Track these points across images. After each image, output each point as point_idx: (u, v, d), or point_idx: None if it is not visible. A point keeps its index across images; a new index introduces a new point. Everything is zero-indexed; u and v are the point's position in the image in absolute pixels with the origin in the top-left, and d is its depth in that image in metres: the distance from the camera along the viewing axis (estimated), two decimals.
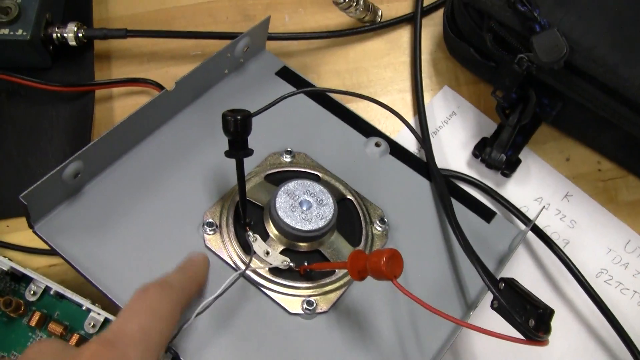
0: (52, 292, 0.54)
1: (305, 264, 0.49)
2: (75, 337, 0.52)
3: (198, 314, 0.44)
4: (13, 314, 0.53)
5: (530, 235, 0.58)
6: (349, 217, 0.53)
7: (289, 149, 0.56)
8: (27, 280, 0.55)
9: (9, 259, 0.52)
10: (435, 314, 0.42)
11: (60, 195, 0.49)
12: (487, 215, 0.57)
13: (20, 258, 0.57)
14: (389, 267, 0.43)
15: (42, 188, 0.46)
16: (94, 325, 0.53)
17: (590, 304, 0.56)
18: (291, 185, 0.50)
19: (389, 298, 0.51)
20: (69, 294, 0.50)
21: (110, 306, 0.48)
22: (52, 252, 0.57)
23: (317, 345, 0.48)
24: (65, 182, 0.48)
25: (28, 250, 0.58)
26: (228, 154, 0.47)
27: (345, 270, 0.50)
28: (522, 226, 0.58)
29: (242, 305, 0.48)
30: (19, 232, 0.59)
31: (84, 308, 0.50)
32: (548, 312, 0.44)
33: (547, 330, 0.43)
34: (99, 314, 0.50)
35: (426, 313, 0.48)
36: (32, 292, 0.54)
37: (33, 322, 0.53)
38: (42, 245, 0.53)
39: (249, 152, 0.47)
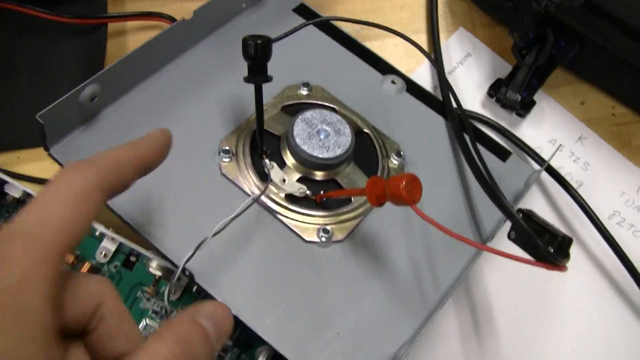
0: None
1: (322, 193, 0.49)
2: (87, 266, 0.52)
3: (215, 234, 0.44)
4: None
5: (545, 177, 0.58)
6: (366, 150, 0.53)
7: (305, 82, 0.55)
8: None
9: (23, 185, 0.51)
10: (454, 240, 0.42)
11: (77, 119, 0.49)
12: (502, 154, 0.57)
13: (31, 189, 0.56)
14: (408, 191, 0.43)
15: (58, 109, 0.46)
16: (105, 255, 0.53)
17: (603, 245, 0.56)
18: (309, 114, 0.50)
19: (405, 229, 0.51)
20: None
21: (125, 230, 0.48)
22: None
23: (332, 273, 0.48)
24: (82, 104, 0.48)
25: (39, 181, 0.58)
26: (247, 79, 0.47)
27: (361, 200, 0.50)
28: (537, 166, 0.58)
29: (258, 233, 0.48)
30: (29, 163, 0.58)
31: (97, 234, 0.50)
32: (567, 240, 0.44)
33: (567, 256, 0.43)
34: (113, 238, 0.50)
35: (442, 245, 0.48)
36: None
37: None
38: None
39: (268, 78, 0.47)
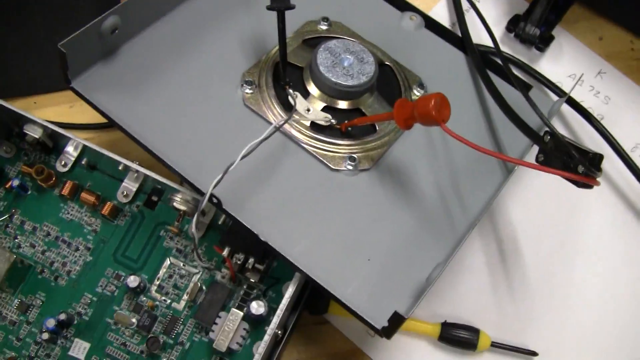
0: (83, 163, 0.53)
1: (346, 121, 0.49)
2: (109, 206, 0.52)
3: (243, 156, 0.43)
4: (44, 183, 0.52)
5: (566, 110, 0.58)
6: (388, 82, 0.53)
7: (325, 17, 0.55)
8: (57, 152, 0.54)
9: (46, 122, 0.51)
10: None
11: (97, 52, 0.48)
12: (524, 86, 0.56)
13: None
14: (438, 110, 0.42)
15: (80, 39, 0.45)
16: (126, 195, 0.52)
17: (627, 176, 0.56)
18: (332, 43, 0.50)
19: (430, 157, 0.50)
20: (105, 151, 0.49)
21: (149, 163, 0.47)
22: (81, 127, 0.56)
23: (360, 201, 0.47)
24: (103, 36, 0.47)
25: (58, 125, 0.57)
26: (270, 6, 0.46)
27: (386, 129, 0.50)
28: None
29: (284, 162, 0.48)
30: (46, 108, 0.58)
31: (120, 167, 0.49)
32: (598, 156, 0.44)
33: (599, 170, 0.43)
34: (137, 172, 0.49)
35: (467, 172, 0.48)
36: (62, 164, 0.53)
37: (65, 192, 0.52)
38: (72, 120, 0.52)
39: (291, 5, 0.47)
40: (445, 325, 0.51)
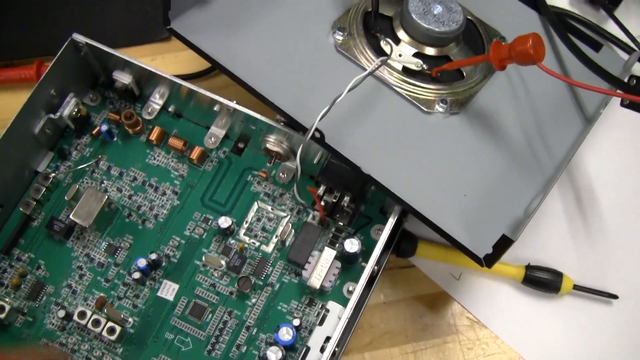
0: (170, 110, 0.54)
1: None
2: (197, 150, 0.53)
3: (350, 89, 0.44)
4: (131, 129, 0.53)
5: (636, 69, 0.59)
6: (471, 35, 0.54)
7: None
8: (143, 100, 0.55)
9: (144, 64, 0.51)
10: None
11: None
12: (595, 45, 0.58)
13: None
14: (535, 49, 0.44)
15: None
16: (214, 141, 0.53)
17: None
18: None
19: (514, 104, 0.52)
20: (201, 90, 0.50)
21: (246, 104, 0.48)
22: None
23: (452, 141, 0.49)
24: None
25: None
26: None
27: (474, 76, 0.51)
28: None
29: (379, 104, 0.49)
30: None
31: (215, 108, 0.50)
32: None
33: None
34: (235, 110, 0.49)
35: (552, 117, 0.50)
36: (148, 111, 0.54)
37: (153, 137, 0.53)
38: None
39: None
40: (530, 268, 0.52)
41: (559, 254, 0.53)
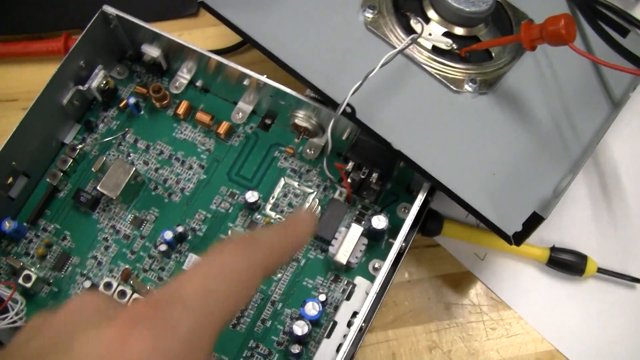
0: (197, 85, 0.54)
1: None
2: (225, 125, 0.53)
3: (383, 64, 0.44)
4: (158, 103, 0.53)
5: None
6: (500, 17, 0.54)
7: None
8: (170, 75, 0.55)
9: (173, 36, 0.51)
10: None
11: None
12: (622, 30, 0.58)
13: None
14: (567, 30, 0.44)
15: None
16: (241, 116, 0.53)
17: None
18: None
19: (542, 86, 0.52)
20: (232, 63, 0.50)
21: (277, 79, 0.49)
22: None
23: (481, 121, 0.49)
24: None
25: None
26: None
27: (502, 57, 0.51)
28: None
29: (408, 83, 0.49)
30: None
31: (245, 83, 0.50)
32: None
33: None
34: (264, 84, 0.49)
35: (579, 101, 0.50)
36: (176, 85, 0.55)
37: (180, 111, 0.53)
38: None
39: None
40: (554, 250, 0.52)
41: (583, 238, 0.53)
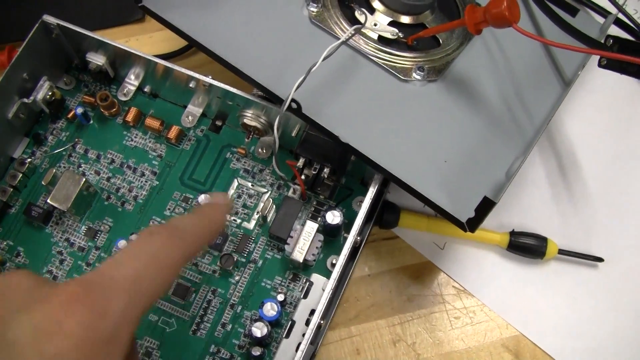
0: (145, 91, 0.54)
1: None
2: (175, 129, 0.52)
3: (325, 57, 0.44)
4: (106, 111, 0.52)
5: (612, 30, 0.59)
6: (446, 2, 0.54)
7: None
8: (118, 82, 0.54)
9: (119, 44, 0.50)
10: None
11: None
12: (571, 10, 0.58)
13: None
14: (510, 11, 0.44)
15: None
16: (191, 120, 0.53)
17: None
18: None
19: (492, 70, 0.51)
20: (177, 67, 0.49)
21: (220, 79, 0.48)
22: None
23: (431, 109, 0.48)
24: None
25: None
26: None
27: (450, 43, 0.51)
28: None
29: (355, 74, 0.48)
30: None
31: (191, 85, 0.49)
32: None
33: None
34: (211, 85, 0.49)
35: (530, 82, 0.49)
36: (124, 92, 0.54)
37: (129, 118, 0.53)
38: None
39: None
40: (514, 234, 0.51)
41: (543, 220, 0.53)
